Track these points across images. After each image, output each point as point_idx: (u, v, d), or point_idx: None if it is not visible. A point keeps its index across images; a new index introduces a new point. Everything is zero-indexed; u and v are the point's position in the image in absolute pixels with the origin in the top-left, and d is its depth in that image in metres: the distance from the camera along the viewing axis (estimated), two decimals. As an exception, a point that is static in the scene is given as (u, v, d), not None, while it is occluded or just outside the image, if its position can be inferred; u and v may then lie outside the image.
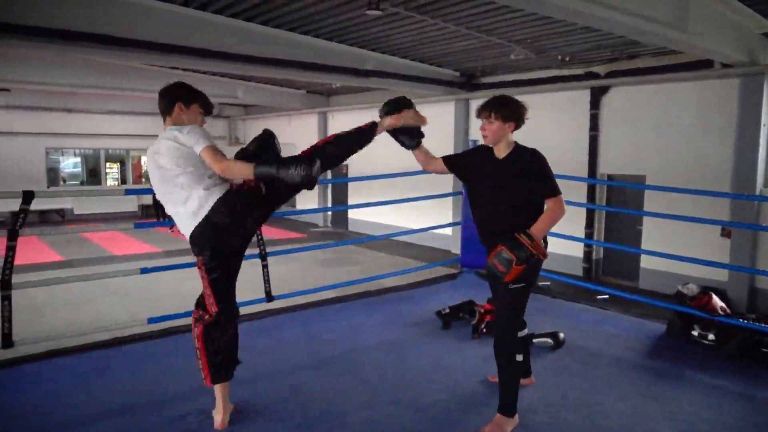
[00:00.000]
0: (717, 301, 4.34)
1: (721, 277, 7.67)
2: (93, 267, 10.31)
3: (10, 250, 3.34)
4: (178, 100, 2.81)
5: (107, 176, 19.60)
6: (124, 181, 19.91)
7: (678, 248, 6.91)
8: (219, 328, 2.84)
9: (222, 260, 2.80)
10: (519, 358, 2.95)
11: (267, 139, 2.78)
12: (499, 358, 2.96)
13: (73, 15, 6.47)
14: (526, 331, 3.33)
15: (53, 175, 18.40)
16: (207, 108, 2.91)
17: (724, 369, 3.85)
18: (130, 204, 18.61)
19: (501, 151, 3.03)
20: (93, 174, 19.43)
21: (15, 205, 3.36)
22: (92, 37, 6.63)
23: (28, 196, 3.36)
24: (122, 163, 20.07)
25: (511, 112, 2.97)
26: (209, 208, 2.64)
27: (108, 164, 19.60)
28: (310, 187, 2.69)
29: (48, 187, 17.58)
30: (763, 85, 7.34)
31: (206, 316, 2.85)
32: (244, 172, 2.59)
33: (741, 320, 4.13)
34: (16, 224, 3.33)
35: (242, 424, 2.96)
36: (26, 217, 3.38)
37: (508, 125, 2.97)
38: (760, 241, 7.51)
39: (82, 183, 19.32)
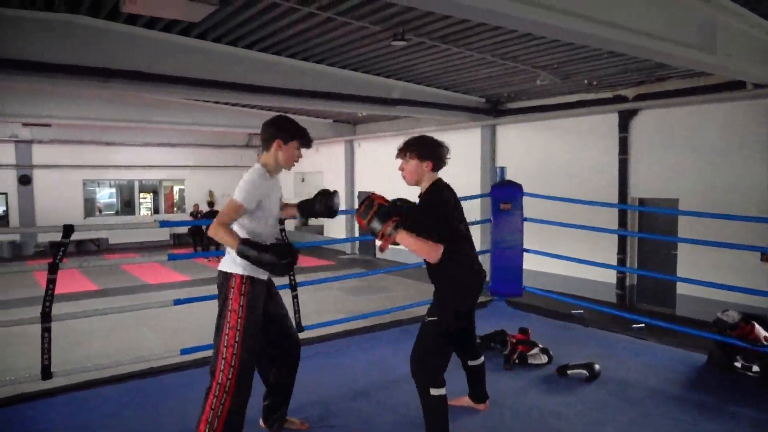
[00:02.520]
0: (760, 330, 4.17)
1: (763, 304, 7.39)
2: (127, 296, 10.53)
3: (51, 282, 3.44)
4: (278, 137, 2.84)
5: (141, 206, 20.12)
6: (156, 210, 20.41)
7: (716, 273, 6.71)
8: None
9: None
10: (435, 391, 2.85)
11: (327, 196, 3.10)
12: (418, 391, 2.93)
13: (111, 53, 6.76)
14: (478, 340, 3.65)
15: (90, 206, 18.98)
16: (306, 144, 2.95)
17: (771, 402, 3.68)
18: (163, 234, 19.03)
19: (423, 190, 3.04)
20: (127, 204, 19.98)
21: (53, 235, 3.47)
22: (129, 73, 6.92)
23: (68, 230, 3.46)
24: (155, 193, 20.60)
25: (426, 150, 2.97)
26: (237, 267, 2.74)
27: (141, 194, 20.14)
28: (279, 275, 2.72)
29: (84, 217, 18.14)
30: (799, 106, 7.18)
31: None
32: (228, 243, 2.62)
33: (787, 350, 3.96)
34: (56, 257, 3.43)
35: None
36: (66, 250, 3.49)
37: (424, 164, 2.96)
38: (804, 266, 7.24)
39: (117, 213, 19.86)
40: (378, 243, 2.96)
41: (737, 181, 7.96)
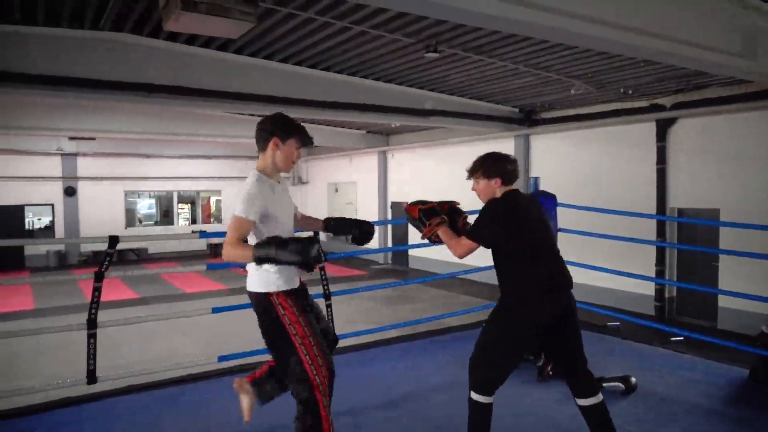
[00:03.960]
0: (805, 344, 4.04)
1: (811, 317, 7.13)
2: (166, 304, 10.81)
3: (96, 291, 3.60)
4: (275, 135, 2.66)
5: (179, 216, 20.65)
6: (194, 220, 20.92)
7: (759, 286, 6.51)
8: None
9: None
10: (478, 397, 2.86)
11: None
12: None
13: (153, 69, 7.03)
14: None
15: (130, 216, 19.58)
16: (305, 142, 2.76)
17: (818, 419, 3.55)
18: (200, 244, 19.48)
19: None
20: (166, 214, 20.54)
21: (97, 245, 3.62)
22: (169, 88, 7.17)
23: (113, 241, 3.62)
24: (193, 204, 21.12)
25: (492, 168, 2.97)
26: (272, 286, 2.65)
27: (180, 205, 20.68)
28: (308, 270, 2.51)
29: (126, 227, 18.73)
30: None
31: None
32: (244, 257, 2.50)
33: (834, 366, 3.82)
34: (101, 267, 3.59)
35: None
36: (111, 260, 3.64)
37: (493, 181, 2.96)
38: None
39: (156, 223, 20.43)
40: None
41: (781, 191, 7.71)
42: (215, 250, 19.69)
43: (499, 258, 2.95)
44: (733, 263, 8.15)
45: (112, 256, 3.68)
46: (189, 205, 21.13)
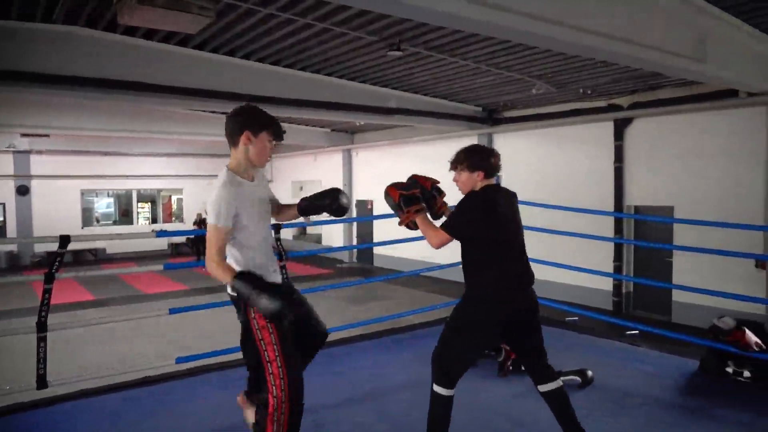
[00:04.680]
0: (751, 336, 4.20)
1: (758, 311, 7.43)
2: (124, 306, 10.54)
3: (47, 292, 3.46)
4: (246, 128, 2.51)
5: (139, 216, 20.15)
6: (155, 220, 20.45)
7: (710, 281, 6.75)
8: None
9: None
10: (440, 390, 2.92)
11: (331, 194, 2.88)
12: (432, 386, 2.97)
13: (110, 64, 6.83)
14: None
15: (88, 215, 19.00)
16: (277, 135, 2.61)
17: (761, 407, 3.70)
18: (161, 243, 19.06)
19: None
20: (125, 214, 20.02)
21: (51, 245, 3.49)
22: (128, 84, 6.97)
23: (64, 241, 3.49)
24: (153, 203, 20.64)
25: (476, 160, 3.00)
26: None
27: (140, 204, 20.18)
28: (277, 320, 2.48)
29: (82, 227, 18.16)
30: (791, 113, 7.25)
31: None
32: (223, 278, 2.45)
33: (778, 356, 4.00)
34: (52, 267, 3.46)
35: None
36: (62, 260, 3.52)
37: (475, 173, 2.98)
38: (798, 273, 7.28)
39: (114, 222, 19.90)
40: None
41: (731, 189, 8.02)
42: (177, 249, 19.31)
43: (470, 251, 2.98)
44: (686, 259, 8.45)
45: (63, 257, 3.55)
46: (149, 204, 20.65)
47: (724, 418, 3.56)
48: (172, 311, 4.11)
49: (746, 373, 4.05)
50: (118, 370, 4.21)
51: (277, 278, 2.75)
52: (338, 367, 4.61)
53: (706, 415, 3.62)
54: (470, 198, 2.95)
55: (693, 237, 7.77)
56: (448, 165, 3.10)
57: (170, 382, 4.17)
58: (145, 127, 12.53)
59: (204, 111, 11.89)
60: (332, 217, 3.00)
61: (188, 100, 7.75)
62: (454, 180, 3.07)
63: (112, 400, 3.85)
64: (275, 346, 2.53)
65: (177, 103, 8.65)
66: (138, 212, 20.12)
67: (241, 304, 2.56)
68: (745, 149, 7.88)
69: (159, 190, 20.39)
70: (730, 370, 4.14)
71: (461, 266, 3.04)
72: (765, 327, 4.50)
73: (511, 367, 4.39)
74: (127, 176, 18.89)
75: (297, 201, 3.00)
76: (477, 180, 2.99)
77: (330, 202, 2.90)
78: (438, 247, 2.93)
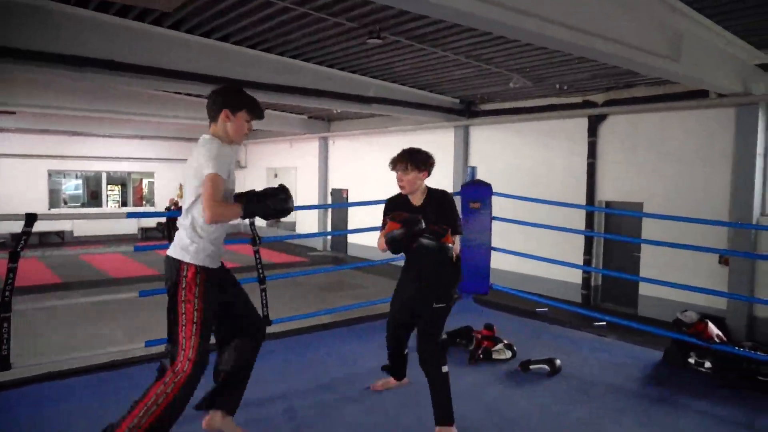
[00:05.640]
0: (713, 328, 4.34)
1: (721, 305, 7.68)
2: (91, 290, 10.33)
3: (11, 272, 3.37)
4: (226, 106, 2.66)
5: (108, 198, 19.71)
6: (125, 203, 20.04)
7: (676, 275, 6.94)
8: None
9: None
10: (445, 369, 3.17)
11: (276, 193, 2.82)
12: (428, 370, 3.18)
13: (80, 41, 6.61)
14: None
15: (55, 197, 18.51)
16: (256, 115, 2.77)
17: (721, 397, 3.84)
18: (130, 226, 18.69)
19: (417, 198, 3.37)
20: (94, 196, 19.56)
21: (16, 226, 3.39)
22: (100, 62, 6.77)
23: (30, 219, 3.39)
24: (123, 186, 20.21)
25: (423, 164, 3.30)
26: (190, 256, 2.65)
27: (109, 187, 19.74)
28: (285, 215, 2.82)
29: (49, 209, 17.69)
30: (758, 115, 7.46)
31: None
32: (234, 214, 2.61)
33: (737, 348, 4.14)
34: (17, 246, 3.36)
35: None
36: (28, 240, 3.42)
37: (422, 174, 3.30)
38: (758, 270, 7.53)
39: (83, 205, 19.43)
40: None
41: (699, 187, 8.23)
42: (147, 233, 18.97)
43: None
44: (653, 254, 8.66)
45: (29, 236, 3.45)
46: (119, 186, 20.21)
47: (685, 406, 3.68)
48: (143, 294, 4.04)
49: (707, 364, 4.18)
50: (85, 353, 4.12)
51: (218, 261, 2.80)
52: (310, 353, 4.61)
53: (668, 403, 3.74)
54: (452, 199, 3.40)
55: (660, 233, 7.95)
56: (391, 164, 3.37)
57: (142, 365, 4.10)
58: (116, 108, 12.21)
59: (179, 93, 11.65)
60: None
61: (161, 81, 7.58)
62: (400, 179, 3.31)
63: (80, 383, 3.78)
64: (194, 326, 2.64)
65: (149, 84, 8.47)
66: (107, 195, 19.68)
67: (174, 268, 2.66)
68: (713, 149, 8.09)
69: (129, 173, 19.97)
70: (692, 361, 4.27)
71: (430, 258, 3.25)
72: (726, 321, 4.66)
73: (481, 356, 4.45)
74: (97, 158, 18.44)
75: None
76: (422, 179, 3.33)
77: (271, 211, 2.81)
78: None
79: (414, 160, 3.26)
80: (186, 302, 2.64)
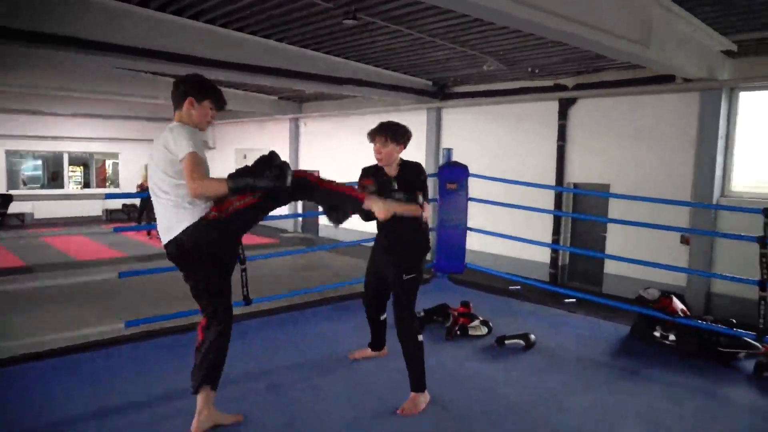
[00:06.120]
0: (677, 303, 4.56)
1: (681, 282, 8.02)
2: (57, 272, 10.10)
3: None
4: (190, 95, 2.73)
5: (70, 180, 19.15)
6: (87, 184, 19.49)
7: (639, 254, 7.18)
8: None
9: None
10: (420, 338, 3.32)
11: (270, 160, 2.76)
12: (403, 339, 3.32)
13: (40, 16, 6.37)
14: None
15: (13, 178, 17.89)
16: (219, 104, 2.84)
17: (684, 366, 4.06)
18: (94, 208, 18.22)
19: (392, 169, 3.49)
20: (54, 177, 18.96)
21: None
22: (60, 39, 6.53)
23: (6, 200, 3.33)
24: (86, 167, 19.65)
25: (402, 136, 3.44)
26: (181, 229, 2.66)
27: (71, 167, 19.16)
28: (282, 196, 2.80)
29: (7, 190, 17.09)
30: (721, 100, 7.73)
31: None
32: (219, 189, 2.61)
33: (699, 321, 4.36)
34: (-7, 226, 3.30)
35: (221, 426, 2.98)
36: (2, 221, 3.36)
37: (399, 147, 3.43)
38: (717, 248, 7.88)
39: (42, 186, 18.82)
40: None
41: (664, 169, 8.51)
42: (112, 215, 18.54)
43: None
44: (619, 235, 8.95)
45: (3, 216, 3.39)
46: (81, 167, 19.63)
47: (651, 376, 3.89)
48: (122, 275, 4.01)
49: (671, 337, 4.40)
50: (61, 335, 4.07)
51: None
52: (290, 332, 4.66)
53: (635, 374, 3.94)
54: (423, 169, 3.54)
55: (626, 214, 8.20)
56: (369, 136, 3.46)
57: (121, 347, 4.09)
58: (79, 86, 11.79)
59: (146, 72, 11.34)
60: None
61: (127, 59, 7.33)
62: (377, 151, 3.42)
63: (60, 364, 3.75)
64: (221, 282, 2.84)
65: (115, 62, 8.19)
66: (69, 176, 19.10)
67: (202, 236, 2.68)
68: (678, 132, 8.36)
69: (92, 154, 19.40)
70: (657, 334, 4.49)
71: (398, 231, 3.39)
72: (685, 297, 4.92)
73: (458, 332, 4.58)
74: (58, 138, 17.83)
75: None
76: (398, 152, 3.46)
77: (272, 179, 2.70)
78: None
79: (393, 134, 3.39)
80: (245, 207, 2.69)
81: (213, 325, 2.87)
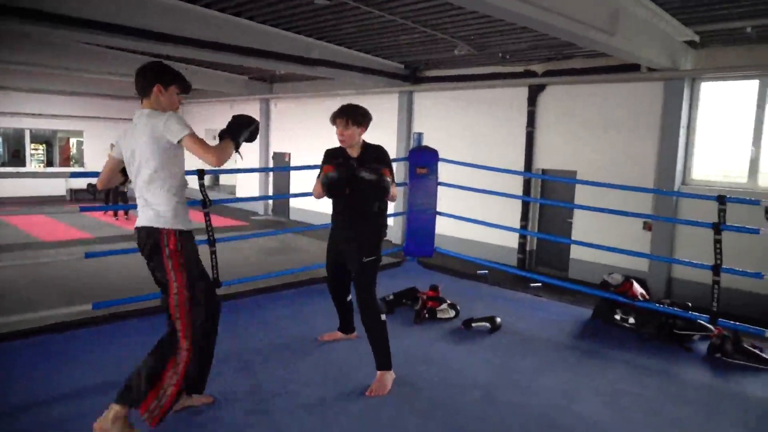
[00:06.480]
0: (638, 288, 4.73)
1: (643, 267, 8.28)
2: (21, 252, 9.83)
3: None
4: (157, 82, 2.75)
5: (33, 158, 18.56)
6: (50, 163, 18.96)
7: (604, 240, 7.37)
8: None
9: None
10: (383, 318, 3.41)
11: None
12: (366, 320, 3.41)
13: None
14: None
15: (-29, 156, 17.28)
16: (185, 89, 2.88)
17: (643, 348, 4.23)
18: (57, 188, 17.72)
19: (354, 151, 3.54)
20: (16, 155, 18.35)
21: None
22: (24, 12, 6.31)
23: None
24: (49, 145, 19.06)
25: (363, 119, 3.48)
26: (165, 221, 2.70)
27: (33, 145, 18.56)
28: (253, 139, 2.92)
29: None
30: (683, 89, 7.94)
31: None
32: (229, 150, 2.74)
33: (657, 305, 4.54)
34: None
35: (198, 409, 3.00)
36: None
37: (360, 129, 3.48)
38: (677, 234, 8.16)
39: (3, 164, 18.21)
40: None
41: (628, 156, 8.72)
42: (76, 195, 18.07)
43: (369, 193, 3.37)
44: (584, 222, 9.17)
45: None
46: (44, 145, 19.03)
47: (612, 357, 4.04)
48: (88, 255, 3.95)
49: (631, 320, 4.57)
50: (27, 317, 3.99)
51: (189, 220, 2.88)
52: (261, 314, 4.68)
53: (597, 355, 4.08)
54: (386, 151, 3.58)
55: (591, 200, 8.40)
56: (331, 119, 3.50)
57: (88, 328, 4.04)
58: (40, 60, 11.37)
59: (109, 48, 11.00)
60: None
61: (93, 34, 7.11)
62: (341, 133, 3.47)
63: (24, 346, 3.70)
64: (186, 290, 2.73)
65: (80, 37, 7.96)
66: (31, 154, 18.50)
67: (158, 243, 2.70)
68: (642, 120, 8.56)
69: (55, 131, 18.81)
70: (618, 317, 4.65)
71: (360, 212, 3.50)
72: (647, 282, 5.09)
73: (426, 315, 4.66)
74: (19, 114, 17.22)
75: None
76: (360, 135, 3.51)
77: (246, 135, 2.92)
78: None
79: (354, 116, 3.44)
80: (175, 271, 2.71)
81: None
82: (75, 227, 12.68)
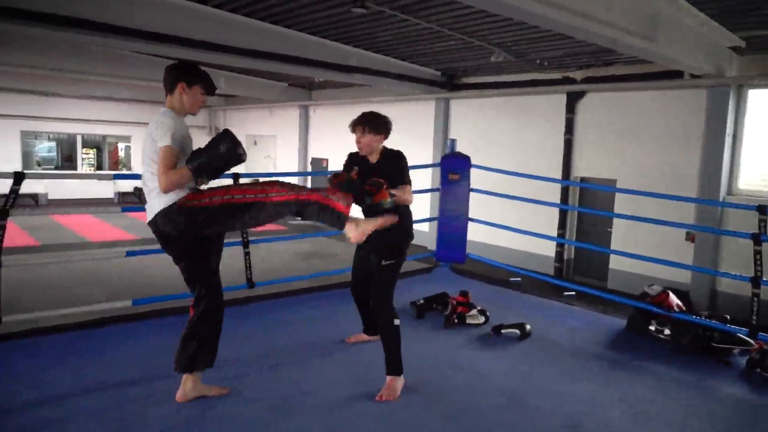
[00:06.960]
0: (674, 298, 4.61)
1: (685, 280, 8.02)
2: (69, 252, 10.27)
3: (0, 229, 3.42)
4: (181, 80, 2.85)
5: (84, 162, 19.37)
6: (100, 167, 19.72)
7: (645, 251, 7.22)
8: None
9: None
10: (397, 323, 3.41)
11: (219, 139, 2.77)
12: (379, 323, 3.45)
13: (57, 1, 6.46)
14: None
15: (27, 159, 18.13)
16: (209, 90, 2.96)
17: (677, 360, 4.12)
18: (107, 190, 18.44)
19: (373, 157, 3.60)
20: (68, 159, 19.18)
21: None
22: (78, 22, 6.64)
23: (19, 177, 3.44)
24: (99, 149, 19.86)
25: (381, 127, 3.52)
26: (156, 211, 2.82)
27: (84, 150, 19.37)
28: (238, 161, 2.77)
29: (23, 170, 17.31)
30: (729, 97, 7.69)
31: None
32: (184, 177, 2.70)
33: (694, 317, 4.41)
34: (6, 204, 3.41)
35: (218, 403, 3.09)
36: (17, 198, 3.47)
37: (378, 137, 3.52)
38: (722, 246, 7.87)
39: (57, 167, 19.03)
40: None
41: (670, 165, 8.48)
42: (124, 198, 18.76)
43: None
44: (624, 230, 8.95)
45: (17, 194, 3.50)
46: (94, 150, 19.84)
47: (642, 369, 3.95)
48: (130, 254, 4.13)
49: (666, 331, 4.46)
50: (73, 312, 4.19)
51: None
52: (292, 316, 4.77)
53: (627, 365, 4.01)
54: (402, 154, 3.59)
55: (632, 210, 8.21)
56: (352, 126, 3.62)
57: (126, 324, 4.21)
58: (92, 69, 11.87)
59: (156, 56, 11.43)
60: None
61: (137, 42, 7.41)
62: (358, 140, 3.55)
63: (68, 339, 3.88)
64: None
65: (124, 45, 8.30)
66: (83, 158, 19.32)
67: (174, 214, 2.77)
68: (685, 128, 8.32)
69: (104, 137, 19.60)
70: (652, 328, 4.55)
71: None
72: (689, 295, 4.94)
73: (456, 320, 4.66)
74: (72, 120, 18.03)
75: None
76: (379, 142, 3.55)
77: (225, 155, 2.77)
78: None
79: (370, 124, 3.50)
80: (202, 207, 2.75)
81: (197, 306, 2.98)
82: (119, 228, 13.16)
